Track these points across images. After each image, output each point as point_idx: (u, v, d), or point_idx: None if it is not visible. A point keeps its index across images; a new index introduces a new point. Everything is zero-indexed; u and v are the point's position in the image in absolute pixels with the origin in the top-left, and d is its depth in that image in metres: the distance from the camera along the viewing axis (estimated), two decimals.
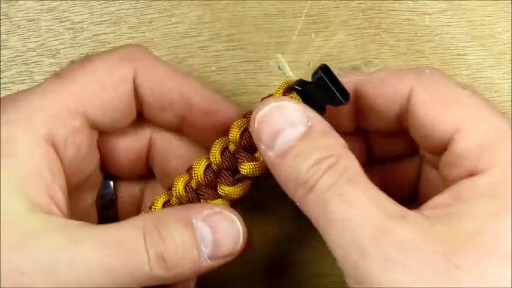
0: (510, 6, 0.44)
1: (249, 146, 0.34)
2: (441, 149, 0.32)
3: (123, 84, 0.34)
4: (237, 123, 0.34)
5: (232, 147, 0.34)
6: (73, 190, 0.34)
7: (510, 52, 0.44)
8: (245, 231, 0.33)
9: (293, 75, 0.43)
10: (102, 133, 0.35)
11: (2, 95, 0.43)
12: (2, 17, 0.43)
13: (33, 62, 0.43)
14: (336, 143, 0.31)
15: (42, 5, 0.43)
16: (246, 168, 0.34)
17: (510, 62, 0.44)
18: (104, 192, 0.38)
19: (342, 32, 0.43)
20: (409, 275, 0.27)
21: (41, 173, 0.31)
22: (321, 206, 0.29)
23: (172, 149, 0.37)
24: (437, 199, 0.30)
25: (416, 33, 0.44)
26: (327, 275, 0.45)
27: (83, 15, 0.43)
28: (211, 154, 0.34)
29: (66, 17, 0.43)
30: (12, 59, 0.43)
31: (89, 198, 0.37)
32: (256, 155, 0.34)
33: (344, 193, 0.29)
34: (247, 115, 0.34)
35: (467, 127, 0.31)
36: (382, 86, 0.34)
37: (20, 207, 0.30)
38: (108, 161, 0.37)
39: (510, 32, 0.44)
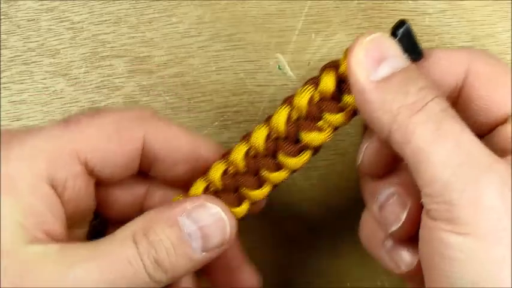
0: (510, 6, 0.44)
1: (312, 115, 0.33)
2: (499, 120, 0.33)
3: (131, 142, 0.35)
4: (306, 89, 0.33)
5: (294, 115, 0.34)
6: (69, 226, 0.35)
7: (510, 52, 0.44)
8: (231, 219, 0.34)
9: (293, 75, 0.44)
10: (100, 181, 0.36)
11: (2, 95, 0.43)
12: (2, 17, 0.43)
13: (33, 62, 0.43)
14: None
15: (42, 5, 0.43)
16: (310, 137, 0.33)
17: (510, 61, 0.44)
18: (94, 221, 0.38)
19: (342, 32, 0.43)
20: None
21: (41, 211, 0.32)
22: (431, 124, 0.30)
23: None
24: None
25: (416, 33, 0.44)
26: (326, 275, 0.45)
27: (82, 15, 0.43)
28: (274, 122, 0.34)
29: (66, 17, 0.43)
30: (12, 59, 0.43)
31: (83, 231, 0.37)
32: (319, 124, 0.33)
33: (457, 117, 0.30)
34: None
35: None
36: (439, 61, 0.34)
37: (21, 239, 0.31)
38: (102, 206, 0.37)
39: (510, 32, 0.44)
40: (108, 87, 0.43)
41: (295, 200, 0.44)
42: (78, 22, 0.43)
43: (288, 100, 0.34)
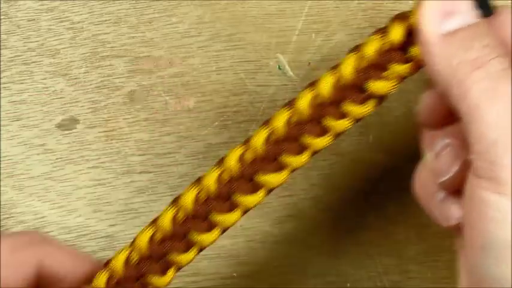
0: (510, 6, 0.44)
1: (379, 65, 0.34)
2: None
3: (25, 266, 0.35)
4: (375, 38, 0.33)
5: (362, 64, 0.34)
6: None
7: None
8: None
9: (293, 75, 0.44)
10: None
11: (2, 95, 0.43)
12: (2, 17, 0.43)
13: (33, 62, 0.43)
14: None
15: (42, 5, 0.43)
16: (377, 86, 0.33)
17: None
18: None
19: (341, 32, 0.43)
20: None
21: None
22: (489, 82, 0.30)
23: None
24: None
25: None
26: (324, 275, 0.45)
27: (82, 15, 0.43)
28: (343, 69, 0.34)
29: (66, 17, 0.43)
30: (12, 59, 0.43)
31: None
32: (385, 74, 0.34)
33: None
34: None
35: None
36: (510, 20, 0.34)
37: None
38: None
39: None
40: (108, 87, 0.43)
41: (295, 200, 0.44)
42: (78, 22, 0.43)
43: (357, 49, 0.34)
